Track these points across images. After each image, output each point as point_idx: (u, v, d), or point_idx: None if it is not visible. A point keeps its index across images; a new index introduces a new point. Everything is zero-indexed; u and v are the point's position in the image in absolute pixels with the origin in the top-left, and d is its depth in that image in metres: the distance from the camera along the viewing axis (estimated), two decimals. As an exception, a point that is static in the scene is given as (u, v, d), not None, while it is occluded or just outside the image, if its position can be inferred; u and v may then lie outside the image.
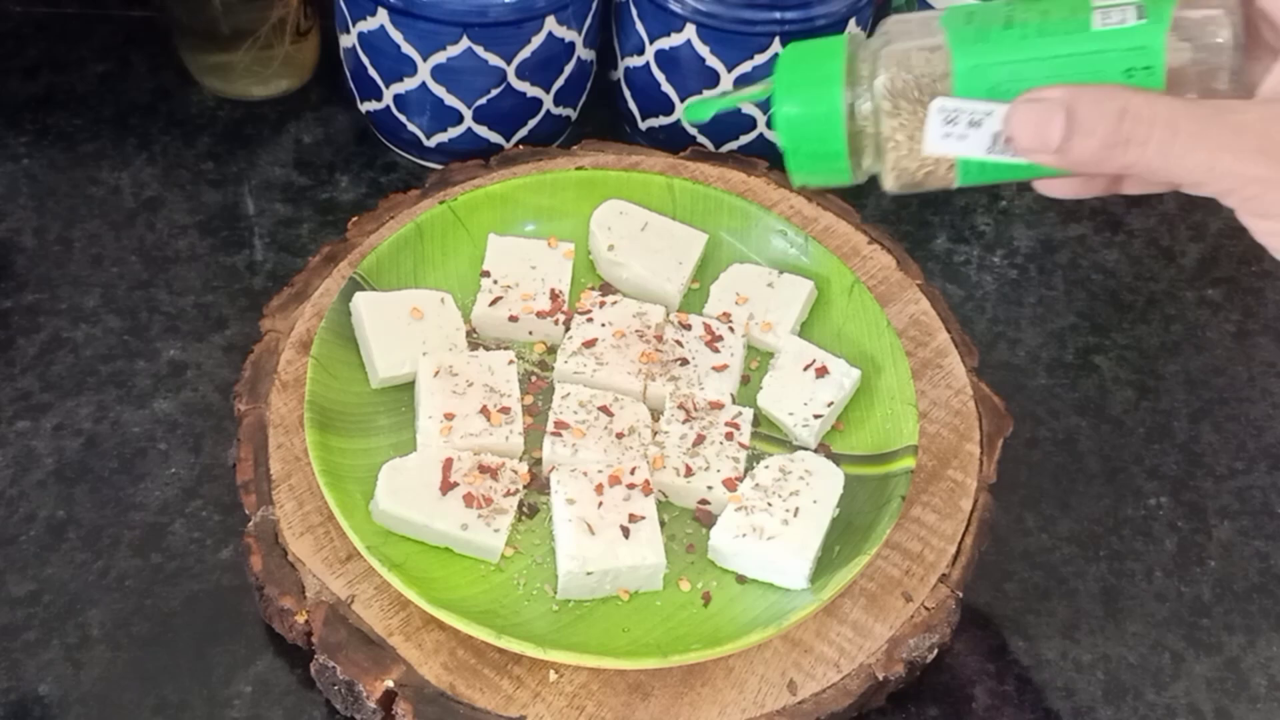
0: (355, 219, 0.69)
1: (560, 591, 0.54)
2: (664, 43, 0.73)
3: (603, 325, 0.63)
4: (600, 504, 0.55)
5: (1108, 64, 0.38)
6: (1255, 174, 0.37)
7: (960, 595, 0.56)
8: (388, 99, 0.74)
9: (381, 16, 0.69)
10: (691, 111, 0.49)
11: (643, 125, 0.79)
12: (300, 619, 0.52)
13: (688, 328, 0.63)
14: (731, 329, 0.64)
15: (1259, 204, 0.38)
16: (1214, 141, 0.37)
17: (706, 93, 0.73)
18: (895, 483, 0.56)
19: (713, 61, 0.72)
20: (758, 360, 0.65)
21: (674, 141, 0.77)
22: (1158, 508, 0.65)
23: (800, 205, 0.72)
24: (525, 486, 0.57)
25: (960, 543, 0.57)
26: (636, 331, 0.63)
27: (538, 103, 0.74)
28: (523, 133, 0.76)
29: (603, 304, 0.64)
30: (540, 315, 0.64)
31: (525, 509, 0.57)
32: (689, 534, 0.57)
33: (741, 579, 0.55)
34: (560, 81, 0.74)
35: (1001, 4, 0.40)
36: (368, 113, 0.77)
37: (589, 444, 0.58)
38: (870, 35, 0.44)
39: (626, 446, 0.58)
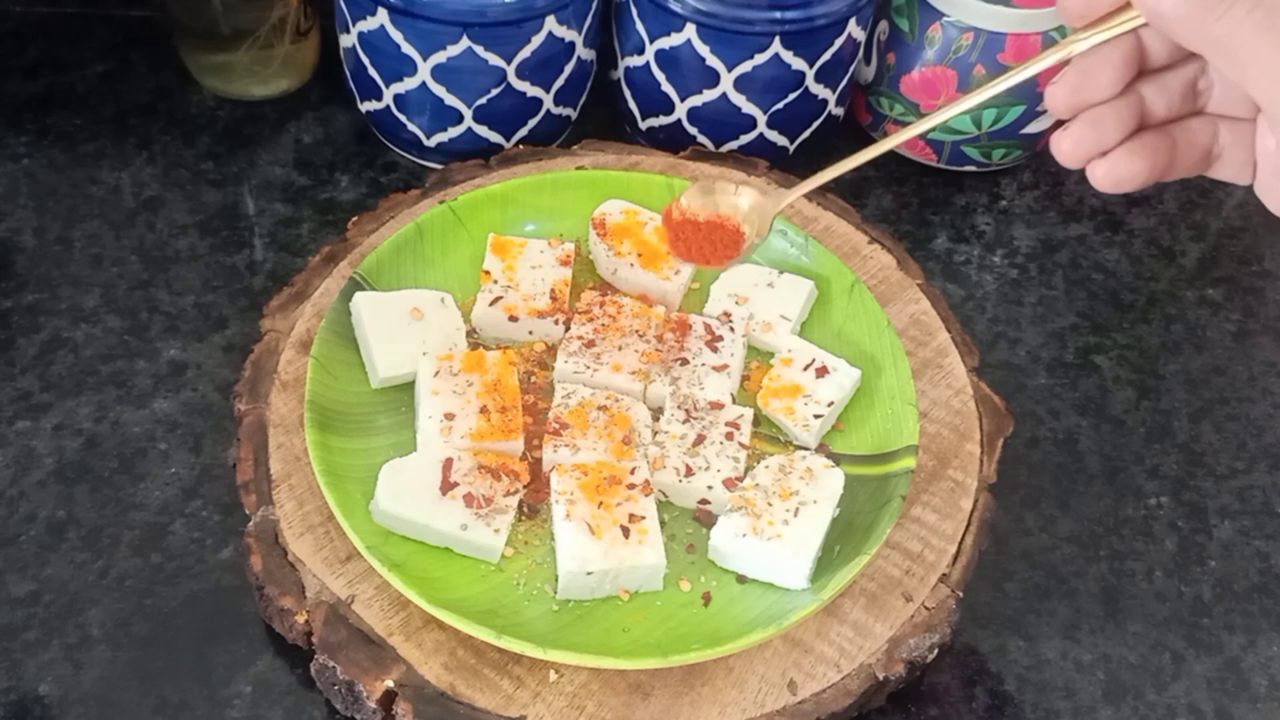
0: (355, 219, 0.69)
1: (560, 591, 0.53)
2: (664, 42, 0.73)
3: (603, 325, 0.63)
4: (600, 504, 0.55)
5: None
6: None
7: (960, 595, 0.56)
8: (388, 99, 0.74)
9: (381, 16, 0.69)
10: None
11: (643, 125, 0.79)
12: (300, 619, 0.52)
13: (688, 328, 0.63)
14: (731, 329, 0.63)
15: None
16: None
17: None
18: (895, 482, 0.56)
19: (713, 61, 0.72)
20: (758, 360, 0.65)
21: (674, 141, 0.77)
22: (1158, 507, 0.65)
23: (800, 205, 0.72)
24: (525, 486, 0.57)
25: (960, 543, 0.57)
26: (636, 331, 0.63)
27: (538, 102, 0.74)
28: (523, 132, 0.76)
29: (603, 304, 0.64)
30: (540, 315, 0.63)
31: (525, 509, 0.57)
32: (689, 534, 0.57)
33: (741, 579, 0.55)
34: (560, 81, 0.74)
35: None
36: (368, 113, 0.77)
37: (589, 444, 0.58)
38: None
39: (626, 446, 0.58)
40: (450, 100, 0.72)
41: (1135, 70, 0.40)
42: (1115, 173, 0.41)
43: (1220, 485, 0.66)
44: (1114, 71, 0.40)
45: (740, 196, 0.55)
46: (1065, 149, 0.41)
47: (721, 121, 0.76)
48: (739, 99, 0.74)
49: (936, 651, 0.54)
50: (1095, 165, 0.41)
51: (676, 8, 0.71)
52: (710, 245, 0.55)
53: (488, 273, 0.65)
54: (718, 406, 0.60)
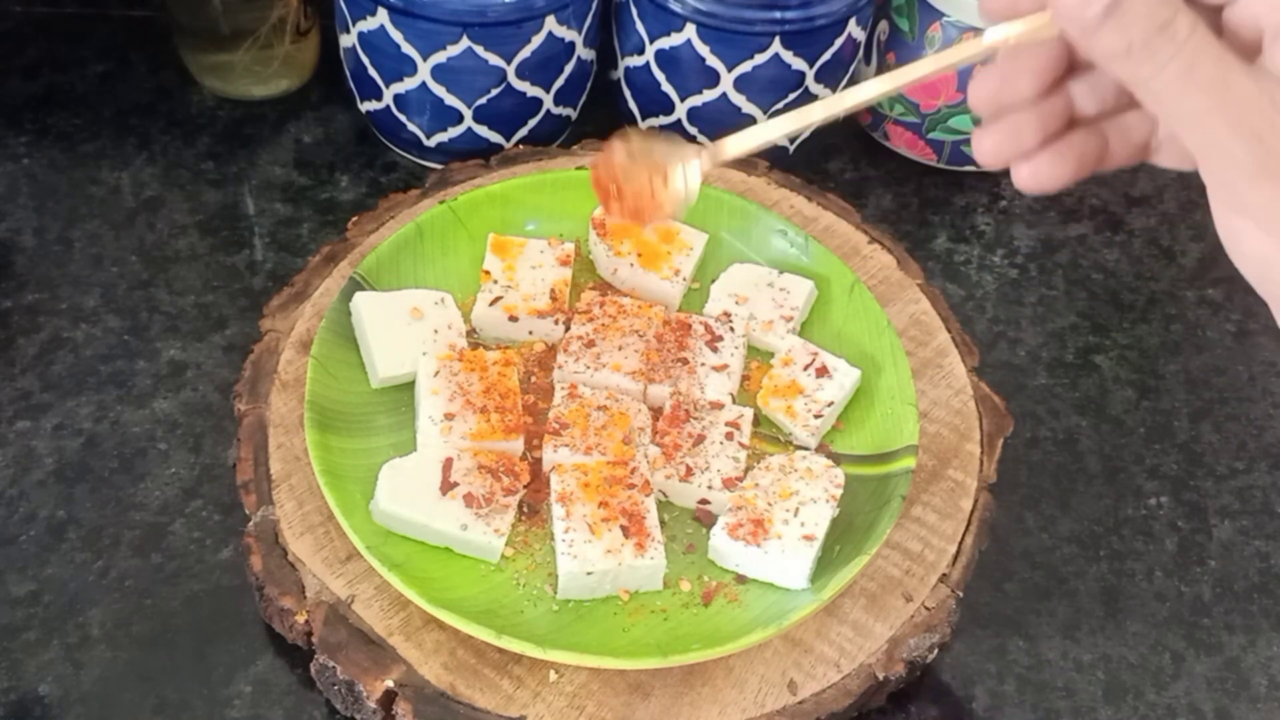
0: (355, 219, 0.69)
1: (560, 591, 0.53)
2: (664, 42, 0.73)
3: (603, 325, 0.63)
4: (600, 504, 0.55)
5: None
6: (1239, 156, 0.34)
7: (960, 595, 0.56)
8: (388, 99, 0.74)
9: (381, 16, 0.69)
10: None
11: (643, 125, 0.79)
12: (300, 619, 0.52)
13: (688, 328, 0.63)
14: (731, 329, 0.63)
15: (1230, 190, 0.36)
16: (1218, 99, 0.34)
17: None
18: (895, 482, 0.56)
19: (713, 61, 0.72)
20: (758, 360, 0.65)
21: (674, 141, 0.77)
22: (1158, 507, 0.65)
23: (800, 205, 0.72)
24: (525, 486, 0.57)
25: (960, 542, 0.57)
26: (636, 331, 0.63)
27: (538, 102, 0.74)
28: (523, 132, 0.76)
29: (603, 304, 0.64)
30: (540, 315, 0.63)
31: (525, 509, 0.57)
32: (689, 534, 0.57)
33: (741, 579, 0.55)
34: (560, 81, 0.74)
35: None
36: (368, 113, 0.77)
37: (589, 444, 0.58)
38: None
39: (626, 446, 0.58)
40: (450, 100, 0.72)
41: (1061, 71, 0.40)
42: (1038, 176, 0.40)
43: (1220, 485, 0.66)
44: (1035, 77, 0.39)
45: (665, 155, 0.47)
46: (985, 150, 0.40)
47: (721, 121, 0.76)
48: (739, 99, 0.74)
49: (936, 651, 0.54)
50: (1019, 167, 0.40)
51: (676, 8, 0.71)
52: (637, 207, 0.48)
53: (488, 273, 0.65)
54: (718, 406, 0.60)
